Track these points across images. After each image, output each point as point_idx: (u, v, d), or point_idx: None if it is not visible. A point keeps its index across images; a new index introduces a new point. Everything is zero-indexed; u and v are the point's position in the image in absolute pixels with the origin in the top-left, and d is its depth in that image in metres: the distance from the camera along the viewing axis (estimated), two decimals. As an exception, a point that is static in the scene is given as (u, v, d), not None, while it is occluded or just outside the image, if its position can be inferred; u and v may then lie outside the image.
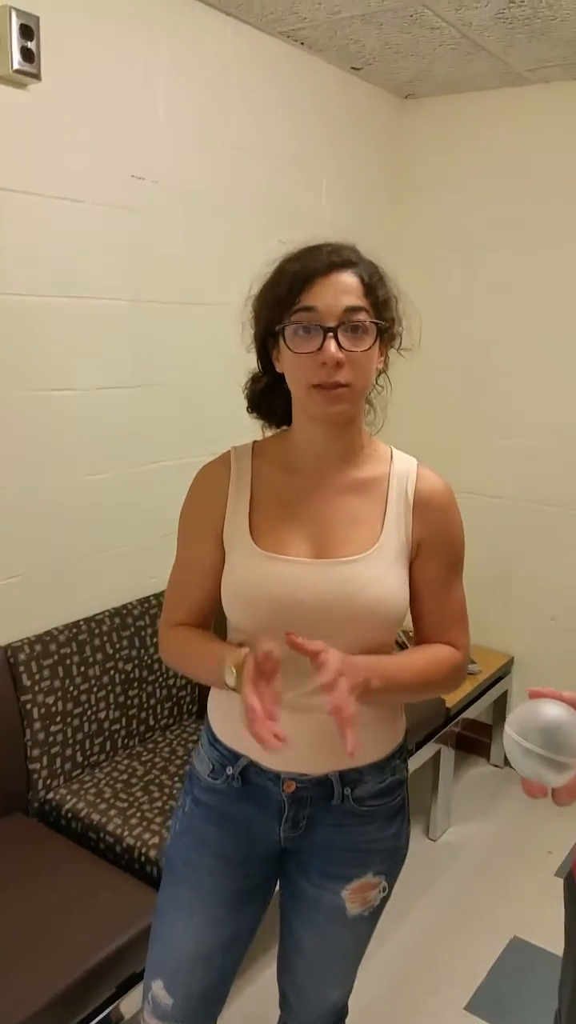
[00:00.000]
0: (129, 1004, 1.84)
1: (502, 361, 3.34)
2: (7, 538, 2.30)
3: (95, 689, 2.44)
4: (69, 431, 2.39)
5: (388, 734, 1.43)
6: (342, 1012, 1.63)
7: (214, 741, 1.44)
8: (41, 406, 2.31)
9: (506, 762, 3.48)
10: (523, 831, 3.08)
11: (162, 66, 2.43)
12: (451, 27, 2.60)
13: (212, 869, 1.43)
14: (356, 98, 3.18)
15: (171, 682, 2.68)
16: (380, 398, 1.43)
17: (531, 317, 3.26)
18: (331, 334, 1.24)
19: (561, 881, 2.76)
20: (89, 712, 2.43)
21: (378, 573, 1.31)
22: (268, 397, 1.42)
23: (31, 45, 2.04)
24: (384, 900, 1.48)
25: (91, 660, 2.43)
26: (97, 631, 2.47)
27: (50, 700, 2.32)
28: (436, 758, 2.95)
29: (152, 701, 2.63)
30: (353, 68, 3.05)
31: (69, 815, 2.24)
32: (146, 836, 2.13)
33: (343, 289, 1.27)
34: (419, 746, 2.82)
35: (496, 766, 3.52)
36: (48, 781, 2.33)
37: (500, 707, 3.47)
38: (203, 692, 2.78)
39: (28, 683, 2.27)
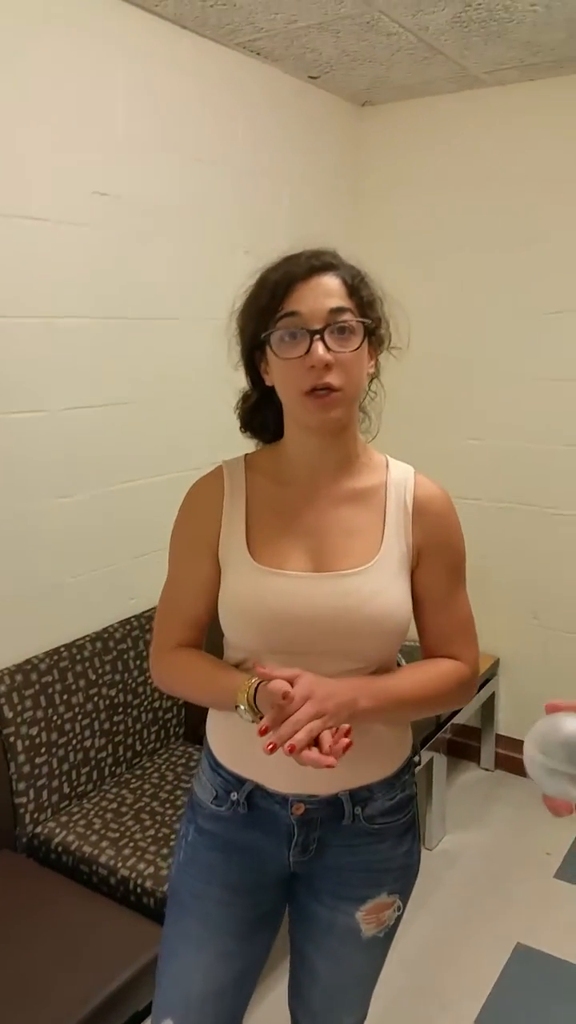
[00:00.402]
0: (134, 1045, 1.78)
1: (468, 363, 3.34)
2: (-19, 566, 2.24)
3: (79, 717, 2.38)
4: (37, 454, 2.33)
5: (396, 749, 1.39)
6: (357, 1038, 1.58)
7: (216, 766, 1.39)
8: (6, 430, 2.25)
9: (497, 765, 3.46)
10: (519, 834, 3.05)
11: (120, 80, 2.40)
12: (408, 32, 2.60)
13: (220, 900, 1.38)
14: (314, 107, 3.16)
15: (156, 704, 2.62)
16: (374, 404, 1.40)
17: (495, 320, 3.27)
18: (318, 336, 1.22)
19: (561, 884, 2.77)
20: (74, 741, 2.36)
21: (380, 585, 1.28)
22: (260, 413, 1.39)
23: (-14, 61, 1.99)
24: (398, 920, 1.44)
25: (74, 687, 2.37)
26: (78, 657, 2.41)
27: (33, 731, 2.25)
28: (429, 766, 2.92)
29: (138, 726, 2.57)
30: (310, 77, 3.03)
31: (59, 849, 2.18)
32: (141, 866, 2.08)
33: (326, 292, 1.25)
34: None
35: (487, 769, 3.50)
36: (36, 815, 2.26)
37: (488, 710, 3.45)
38: (190, 713, 2.73)
39: (10, 715, 2.21)
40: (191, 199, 2.68)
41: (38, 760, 2.26)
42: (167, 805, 2.33)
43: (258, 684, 1.20)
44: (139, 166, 2.49)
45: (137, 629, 2.58)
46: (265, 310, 1.27)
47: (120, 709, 2.50)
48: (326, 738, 1.12)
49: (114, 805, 2.33)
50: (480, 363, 3.33)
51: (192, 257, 2.70)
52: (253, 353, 1.33)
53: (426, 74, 2.99)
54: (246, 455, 1.43)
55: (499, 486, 3.35)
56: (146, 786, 2.43)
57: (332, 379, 1.23)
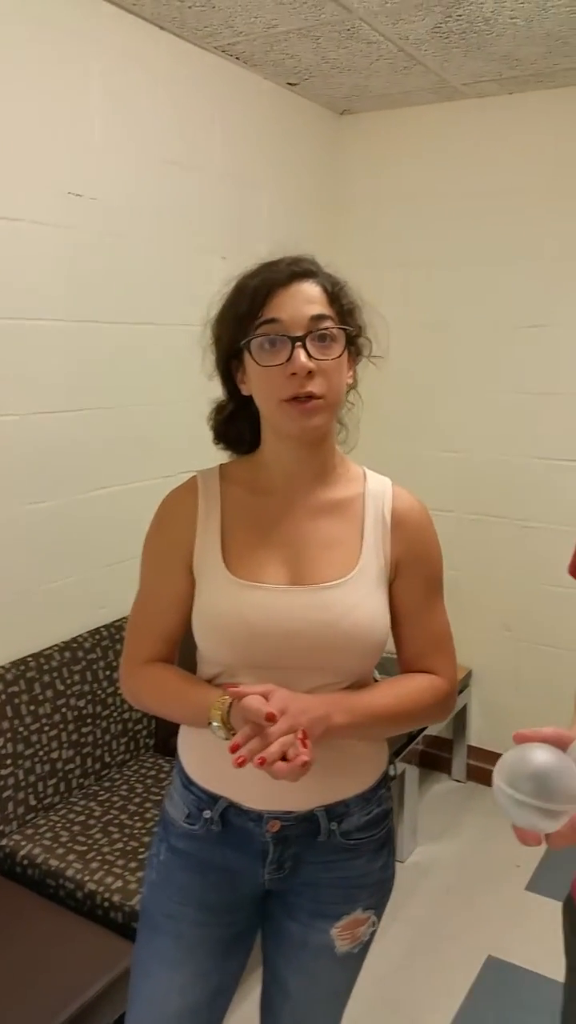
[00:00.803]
0: (101, 1064, 1.74)
1: (444, 376, 3.34)
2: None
3: (46, 728, 2.33)
4: (7, 459, 2.28)
5: (372, 764, 1.37)
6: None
7: (188, 784, 1.36)
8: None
9: (468, 776, 3.45)
10: (490, 845, 3.04)
11: (96, 81, 2.36)
12: (388, 41, 2.59)
13: (195, 920, 1.35)
14: (293, 113, 3.15)
15: (126, 716, 2.58)
16: (351, 415, 1.38)
17: (471, 332, 3.27)
18: (299, 344, 1.20)
19: (532, 896, 2.76)
20: (41, 752, 2.32)
21: (358, 598, 1.26)
22: (235, 423, 1.37)
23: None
24: (373, 935, 1.42)
25: (41, 698, 2.32)
26: (46, 667, 2.36)
27: None
28: (401, 778, 2.90)
29: (107, 737, 2.52)
30: (289, 84, 3.02)
31: (25, 862, 2.13)
32: (108, 880, 2.04)
33: (306, 298, 1.23)
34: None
35: (459, 781, 3.49)
36: (1, 827, 2.21)
37: (460, 721, 3.45)
38: (160, 725, 2.69)
39: (-24, 725, 2.16)
40: (167, 203, 2.65)
41: (3, 772, 2.21)
42: (136, 818, 2.29)
43: (232, 701, 1.17)
44: (115, 168, 2.46)
45: (107, 639, 2.54)
46: (244, 317, 1.24)
47: (89, 720, 2.46)
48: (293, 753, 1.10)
49: (81, 818, 2.29)
50: (455, 375, 3.33)
51: (168, 262, 2.67)
52: (230, 361, 1.30)
53: (405, 84, 2.99)
54: (221, 465, 1.40)
55: (473, 498, 3.35)
56: (115, 798, 2.39)
57: (314, 387, 1.21)
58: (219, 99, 2.81)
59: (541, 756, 0.91)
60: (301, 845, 1.31)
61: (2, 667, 2.27)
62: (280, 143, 3.11)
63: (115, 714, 2.54)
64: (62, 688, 2.38)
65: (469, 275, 3.24)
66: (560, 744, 0.94)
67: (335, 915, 1.35)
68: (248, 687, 1.17)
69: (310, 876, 1.34)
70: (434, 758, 3.55)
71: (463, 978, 2.43)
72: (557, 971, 1.26)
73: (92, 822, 2.27)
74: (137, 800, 2.38)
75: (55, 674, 2.37)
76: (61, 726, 2.37)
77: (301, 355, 1.20)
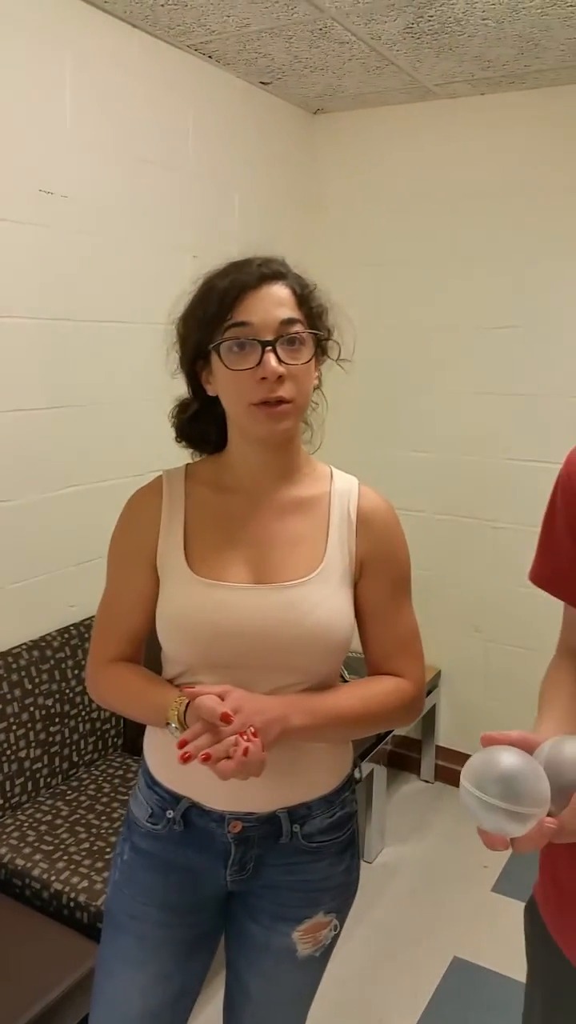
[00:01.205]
0: (65, 1065, 1.73)
1: (415, 375, 3.35)
2: None
3: (14, 727, 2.32)
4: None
5: (335, 767, 1.36)
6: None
7: (152, 783, 1.35)
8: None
9: (437, 776, 3.47)
10: (458, 846, 3.05)
11: (68, 78, 2.35)
12: (360, 41, 2.59)
13: (157, 921, 1.35)
14: (266, 112, 3.14)
15: (94, 715, 2.57)
16: (316, 415, 1.38)
17: (441, 333, 3.28)
18: (269, 348, 1.20)
19: (498, 897, 2.78)
20: (8, 751, 2.30)
21: (321, 597, 1.26)
22: (200, 423, 1.36)
23: None
24: (335, 938, 1.42)
25: (8, 697, 2.31)
26: (14, 666, 2.35)
27: (-34, 742, 2.19)
28: (369, 778, 2.91)
29: (75, 736, 2.51)
30: (262, 82, 3.01)
31: (-10, 863, 2.12)
32: (75, 880, 2.03)
33: (276, 302, 1.23)
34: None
35: (427, 781, 3.50)
36: (-33, 828, 2.20)
37: (429, 721, 3.46)
38: (128, 725, 2.68)
39: (-58, 725, 2.14)
40: (139, 201, 2.64)
41: (-30, 771, 2.20)
42: (103, 818, 2.28)
43: (189, 701, 1.17)
44: (86, 165, 2.45)
45: (76, 638, 2.53)
46: (213, 318, 1.23)
47: (57, 719, 2.45)
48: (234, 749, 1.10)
49: (48, 817, 2.28)
50: (425, 375, 3.33)
51: (139, 260, 2.66)
52: (195, 361, 1.29)
53: (378, 84, 2.99)
54: (188, 465, 1.40)
55: (442, 498, 3.36)
56: (82, 798, 2.38)
57: (283, 391, 1.21)
58: (192, 97, 2.80)
59: (509, 759, 0.91)
60: (263, 847, 1.31)
61: (-31, 666, 2.26)
62: (253, 142, 3.11)
63: (83, 713, 2.53)
64: (30, 687, 2.37)
65: (440, 275, 3.25)
66: (527, 747, 0.94)
67: (296, 918, 1.35)
68: (205, 687, 1.17)
69: (272, 878, 1.33)
70: (403, 758, 3.56)
71: (429, 979, 2.44)
72: (522, 973, 1.26)
73: (59, 822, 2.26)
74: (105, 800, 2.38)
75: (23, 673, 2.36)
76: (29, 725, 2.36)
77: (271, 360, 1.20)
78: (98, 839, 2.18)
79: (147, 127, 2.64)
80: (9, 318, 2.29)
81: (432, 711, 3.44)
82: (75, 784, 2.46)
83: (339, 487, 1.35)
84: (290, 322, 1.22)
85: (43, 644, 2.44)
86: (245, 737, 1.10)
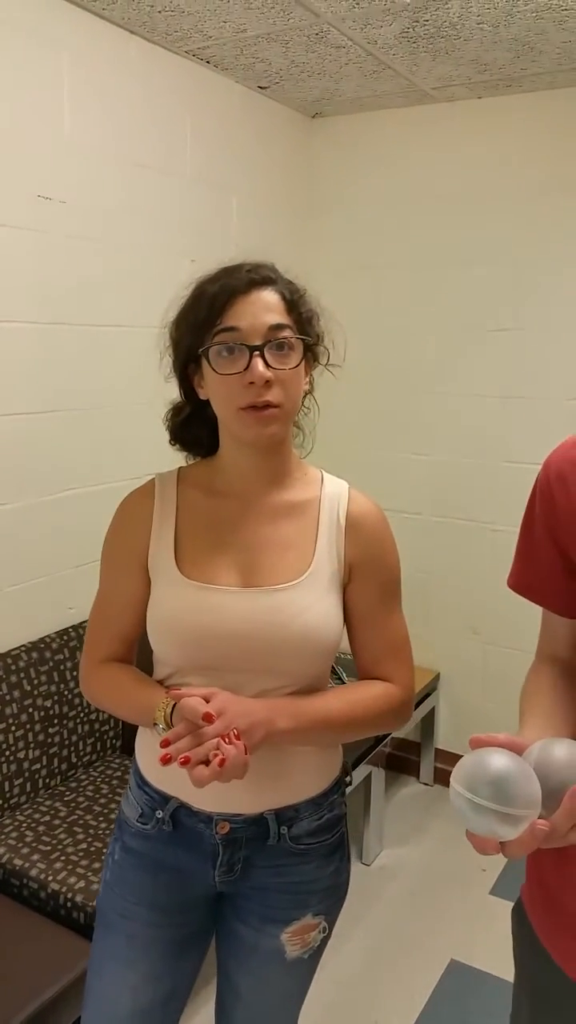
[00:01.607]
0: (59, 1063, 1.74)
1: (412, 378, 3.36)
2: None
3: (13, 728, 2.33)
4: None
5: (324, 769, 1.37)
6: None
7: (142, 783, 1.37)
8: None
9: (436, 779, 3.47)
10: (456, 849, 3.05)
11: (66, 84, 2.36)
12: (357, 46, 2.60)
13: (147, 920, 1.36)
14: (264, 117, 3.16)
15: (93, 717, 2.58)
16: (307, 420, 1.39)
17: (439, 336, 3.28)
18: (257, 353, 1.21)
19: (496, 900, 2.78)
20: (7, 752, 2.32)
21: (309, 601, 1.27)
22: (193, 426, 1.37)
23: None
24: (325, 940, 1.42)
25: (8, 698, 2.32)
26: (13, 667, 2.36)
27: (-35, 743, 2.21)
28: (367, 781, 2.91)
29: (74, 738, 2.52)
30: (260, 87, 3.03)
31: (-12, 864, 2.13)
32: (72, 880, 2.04)
33: (265, 307, 1.24)
34: (351, 768, 2.77)
35: (426, 784, 3.50)
36: (-35, 829, 2.21)
37: (428, 724, 3.46)
38: (127, 726, 2.69)
39: None
40: (137, 206, 2.66)
41: (-32, 773, 2.21)
42: (101, 819, 2.30)
43: (175, 703, 1.18)
44: (84, 171, 2.46)
45: (75, 639, 2.54)
46: (202, 323, 1.25)
47: (55, 720, 2.46)
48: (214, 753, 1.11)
49: (47, 818, 2.29)
50: (423, 378, 3.34)
51: (136, 264, 2.67)
52: (187, 365, 1.31)
53: (376, 88, 3.01)
54: (180, 468, 1.41)
55: (440, 501, 3.37)
56: (80, 799, 2.39)
57: (271, 396, 1.22)
58: (190, 102, 2.81)
59: (500, 761, 0.90)
60: (251, 848, 1.32)
61: (-33, 668, 2.27)
62: (251, 146, 3.12)
63: (82, 715, 2.54)
64: (29, 688, 2.38)
65: (437, 278, 3.25)
66: (514, 750, 0.94)
67: (285, 920, 1.36)
68: (192, 689, 1.18)
69: (260, 880, 1.34)
70: (401, 761, 3.57)
71: (426, 982, 2.44)
72: (519, 976, 1.27)
73: (57, 822, 2.27)
74: (102, 801, 2.39)
75: (22, 674, 2.37)
76: (28, 726, 2.37)
77: (259, 365, 1.21)
78: (95, 840, 2.20)
79: (145, 132, 2.65)
80: (6, 323, 2.31)
81: (431, 714, 3.44)
82: (73, 785, 2.47)
83: (329, 491, 1.36)
84: (278, 327, 1.23)
85: (42, 646, 2.46)
86: (227, 740, 1.11)
